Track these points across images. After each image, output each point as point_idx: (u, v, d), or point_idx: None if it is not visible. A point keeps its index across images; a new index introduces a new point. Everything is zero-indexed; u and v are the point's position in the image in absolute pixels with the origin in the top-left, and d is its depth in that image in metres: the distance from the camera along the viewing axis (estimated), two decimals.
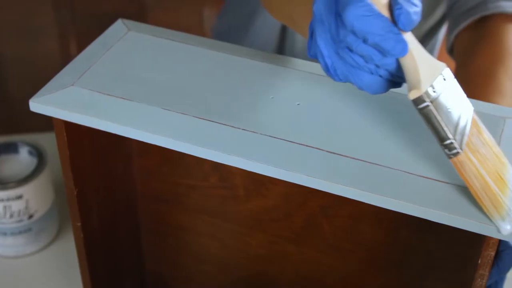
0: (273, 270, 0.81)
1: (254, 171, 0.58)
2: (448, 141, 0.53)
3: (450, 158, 0.54)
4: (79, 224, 0.71)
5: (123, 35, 0.70)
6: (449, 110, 0.54)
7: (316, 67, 0.67)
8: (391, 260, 0.75)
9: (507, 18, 0.94)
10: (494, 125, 0.61)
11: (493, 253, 0.57)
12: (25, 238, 0.95)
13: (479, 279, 0.59)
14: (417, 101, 0.53)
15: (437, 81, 0.53)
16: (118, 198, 0.79)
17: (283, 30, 1.14)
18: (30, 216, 0.94)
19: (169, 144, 0.59)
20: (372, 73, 0.55)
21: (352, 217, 0.74)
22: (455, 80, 0.55)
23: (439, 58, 1.28)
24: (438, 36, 1.17)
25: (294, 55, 1.14)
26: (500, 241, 0.58)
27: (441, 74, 0.54)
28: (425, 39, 1.15)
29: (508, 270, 0.73)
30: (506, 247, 0.68)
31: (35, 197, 0.93)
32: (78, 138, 0.67)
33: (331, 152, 0.58)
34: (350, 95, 0.64)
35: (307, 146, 0.59)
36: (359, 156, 0.58)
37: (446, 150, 0.54)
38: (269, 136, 0.59)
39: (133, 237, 0.84)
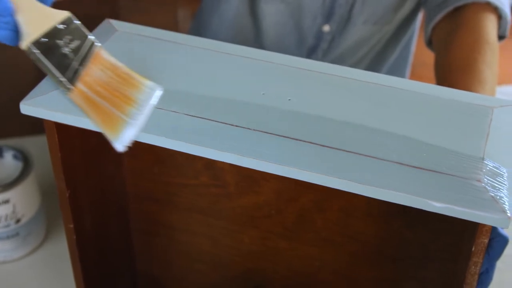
0: (266, 266, 0.82)
1: (249, 167, 0.58)
2: (59, 80, 0.60)
3: (66, 94, 0.61)
4: (71, 225, 0.71)
5: (111, 35, 0.70)
6: (63, 52, 0.61)
7: (305, 63, 0.68)
8: (383, 253, 0.76)
9: (479, 7, 0.95)
10: (482, 115, 0.62)
11: (486, 241, 0.58)
12: (13, 243, 0.95)
13: (473, 267, 0.60)
14: (26, 50, 0.60)
15: (52, 29, 0.61)
16: (109, 199, 0.79)
17: (252, 11, 1.14)
18: (18, 221, 0.94)
19: (163, 143, 0.60)
20: (4, 29, 0.62)
21: (343, 211, 0.75)
22: (78, 24, 0.63)
23: (418, 49, 1.30)
24: (414, 26, 1.18)
25: (268, 34, 1.14)
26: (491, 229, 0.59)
27: (62, 22, 0.62)
28: (400, 30, 1.16)
29: (498, 257, 0.74)
30: (496, 235, 0.69)
31: (22, 201, 0.93)
32: (69, 139, 0.67)
33: (324, 146, 0.58)
34: (340, 89, 0.65)
35: (300, 140, 0.59)
36: (352, 149, 0.58)
37: (61, 88, 0.61)
38: (262, 131, 0.60)
39: (125, 238, 0.84)
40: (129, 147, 0.78)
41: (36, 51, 0.60)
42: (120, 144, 0.60)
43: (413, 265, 0.75)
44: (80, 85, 0.61)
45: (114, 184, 0.79)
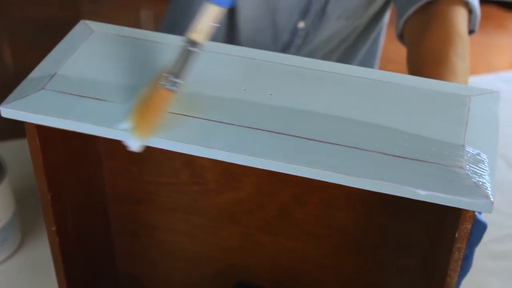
0: (248, 261, 0.82)
1: (234, 162, 0.59)
2: (178, 80, 0.60)
3: (167, 89, 0.60)
4: (53, 228, 0.70)
5: (88, 36, 0.70)
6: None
7: (283, 58, 0.68)
8: (364, 242, 0.77)
9: (451, 1, 0.97)
10: (460, 103, 0.64)
11: (469, 226, 0.59)
12: None
13: (457, 253, 0.61)
14: (194, 44, 0.61)
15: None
16: (90, 201, 0.78)
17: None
18: None
19: (151, 142, 0.60)
20: None
21: (324, 203, 0.75)
22: None
23: (387, 43, 1.31)
24: (383, 21, 1.20)
25: (243, 31, 1.14)
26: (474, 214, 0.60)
27: None
28: (371, 25, 1.18)
29: (477, 244, 0.76)
30: (475, 222, 0.71)
31: None
32: (50, 142, 0.66)
33: (307, 139, 0.59)
34: (319, 82, 0.65)
35: (285, 134, 0.59)
36: (334, 140, 0.59)
37: (168, 84, 0.60)
38: (247, 127, 0.60)
39: (107, 239, 0.84)
40: (108, 148, 0.78)
41: (197, 51, 0.61)
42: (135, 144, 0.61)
43: (394, 254, 0.76)
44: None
45: (95, 185, 0.79)
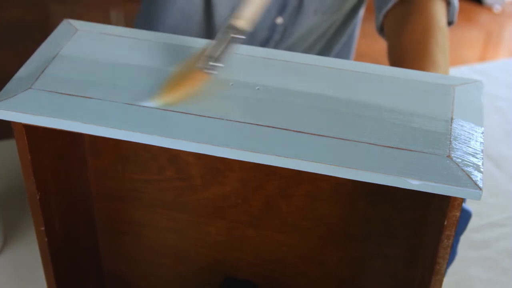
0: (233, 255, 0.83)
1: (222, 155, 0.59)
2: (217, 64, 0.63)
3: (203, 71, 0.63)
4: (42, 228, 0.70)
5: (72, 35, 0.70)
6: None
7: (266, 52, 0.69)
8: (349, 233, 0.78)
9: None
10: (445, 93, 0.65)
11: (458, 214, 0.60)
12: None
13: (446, 240, 0.62)
14: (240, 31, 0.62)
15: None
16: (76, 199, 0.78)
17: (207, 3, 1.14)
18: None
19: (139, 138, 0.60)
20: None
21: (309, 196, 0.76)
22: None
23: (359, 38, 1.33)
24: (360, 14, 1.21)
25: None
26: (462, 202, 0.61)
27: None
28: (348, 18, 1.19)
29: (462, 232, 0.77)
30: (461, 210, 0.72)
31: None
32: (38, 141, 0.66)
33: (296, 131, 0.60)
34: (305, 75, 0.66)
35: (272, 127, 0.60)
36: (326, 133, 0.60)
37: (206, 66, 0.63)
38: (235, 121, 0.60)
39: (92, 237, 0.84)
40: (92, 146, 0.78)
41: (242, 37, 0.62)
42: None
43: (378, 243, 0.77)
44: None
45: (80, 184, 0.78)
